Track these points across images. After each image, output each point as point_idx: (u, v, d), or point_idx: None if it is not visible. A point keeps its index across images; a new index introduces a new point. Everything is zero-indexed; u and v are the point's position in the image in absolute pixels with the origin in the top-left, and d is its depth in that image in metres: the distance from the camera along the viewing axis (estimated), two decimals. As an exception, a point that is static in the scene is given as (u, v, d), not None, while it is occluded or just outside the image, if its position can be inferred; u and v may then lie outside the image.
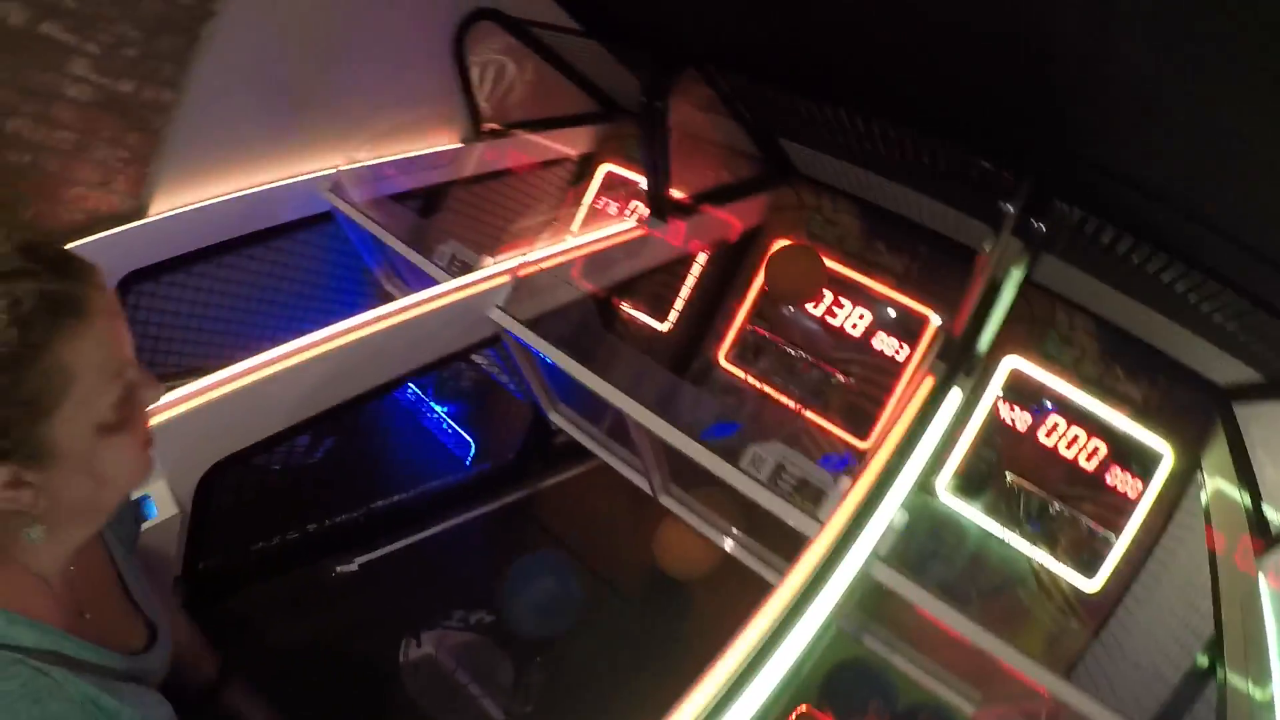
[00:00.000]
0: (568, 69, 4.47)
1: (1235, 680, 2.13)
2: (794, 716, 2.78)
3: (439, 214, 4.24)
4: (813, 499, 2.32)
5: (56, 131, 2.81)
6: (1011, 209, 2.52)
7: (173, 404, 2.12)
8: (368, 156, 3.67)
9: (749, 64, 3.28)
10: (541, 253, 3.18)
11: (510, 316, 2.91)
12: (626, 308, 4.64)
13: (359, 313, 2.61)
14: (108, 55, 2.77)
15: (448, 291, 2.83)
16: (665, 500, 3.08)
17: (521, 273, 3.01)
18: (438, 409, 3.84)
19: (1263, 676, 1.97)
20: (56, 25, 2.60)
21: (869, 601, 2.68)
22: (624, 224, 3.66)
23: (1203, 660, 2.43)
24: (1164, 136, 2.20)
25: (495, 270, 2.99)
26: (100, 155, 2.94)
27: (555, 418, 3.36)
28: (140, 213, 3.18)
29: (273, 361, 2.36)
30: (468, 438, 3.71)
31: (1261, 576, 2.35)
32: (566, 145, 4.83)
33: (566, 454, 3.79)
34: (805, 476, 2.37)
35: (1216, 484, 3.04)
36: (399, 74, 3.75)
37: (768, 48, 3.24)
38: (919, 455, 2.31)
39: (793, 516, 2.24)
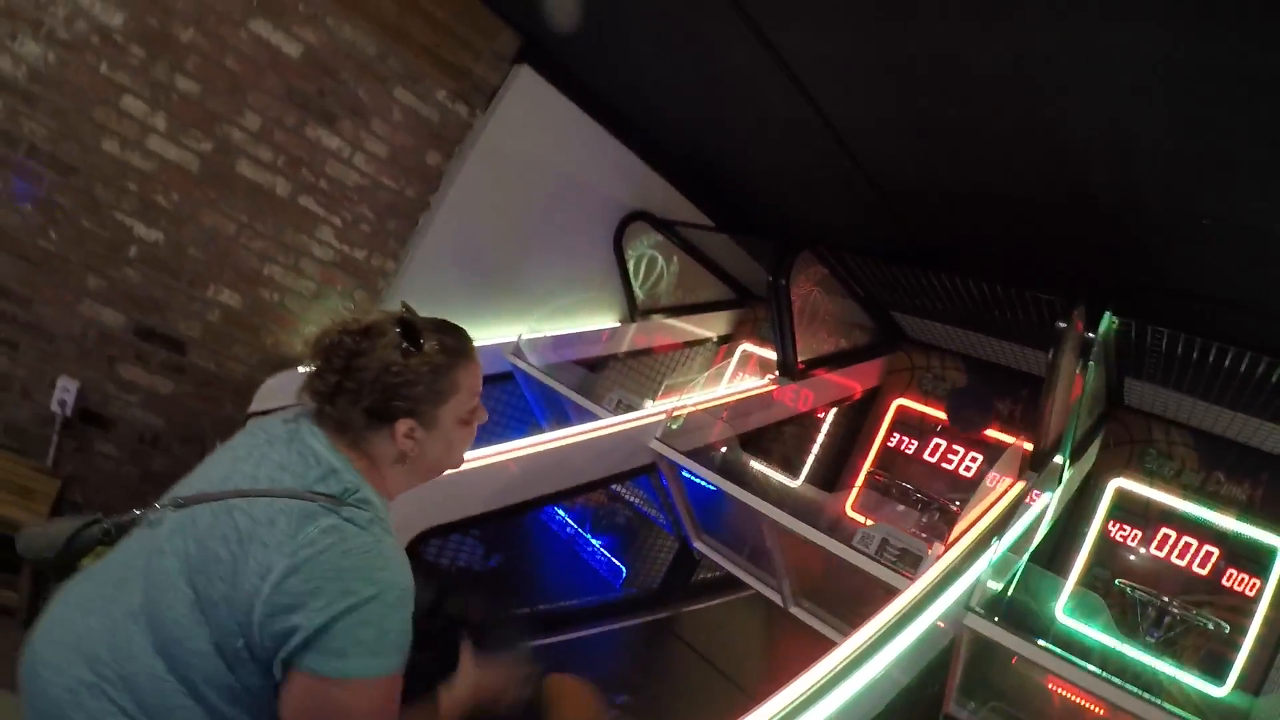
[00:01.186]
0: (708, 261, 5.50)
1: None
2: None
3: (607, 379, 5.17)
4: (913, 564, 2.87)
5: (301, 280, 3.81)
6: (1064, 326, 3.16)
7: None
8: (544, 329, 4.67)
9: (850, 242, 4.17)
10: (692, 399, 3.99)
11: (666, 445, 3.69)
12: (761, 466, 5.33)
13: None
14: (348, 228, 3.84)
15: (615, 423, 3.66)
16: (795, 610, 3.62)
17: (675, 412, 3.80)
18: (594, 541, 4.56)
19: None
20: (312, 199, 3.69)
21: (982, 682, 3.12)
22: (760, 380, 4.46)
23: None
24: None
25: (654, 409, 3.81)
26: (332, 303, 3.94)
27: (699, 545, 4.02)
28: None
29: (480, 458, 3.19)
30: (619, 565, 4.39)
31: None
32: (708, 328, 5.78)
33: (704, 589, 4.40)
34: (906, 547, 2.93)
35: None
36: (572, 262, 4.81)
37: (863, 229, 4.16)
38: (1009, 535, 2.89)
39: (892, 577, 2.81)
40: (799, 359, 4.43)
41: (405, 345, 1.42)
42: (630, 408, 4.01)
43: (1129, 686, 2.48)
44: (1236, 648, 3.61)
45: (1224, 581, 3.76)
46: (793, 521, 3.22)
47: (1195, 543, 3.86)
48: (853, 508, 4.90)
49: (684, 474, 3.76)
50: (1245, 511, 3.81)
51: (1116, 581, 3.82)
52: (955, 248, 4.00)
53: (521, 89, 3.99)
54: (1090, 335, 3.17)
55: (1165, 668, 3.40)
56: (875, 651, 2.35)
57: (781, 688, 2.04)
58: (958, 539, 2.95)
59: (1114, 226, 3.06)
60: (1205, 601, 3.75)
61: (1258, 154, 2.26)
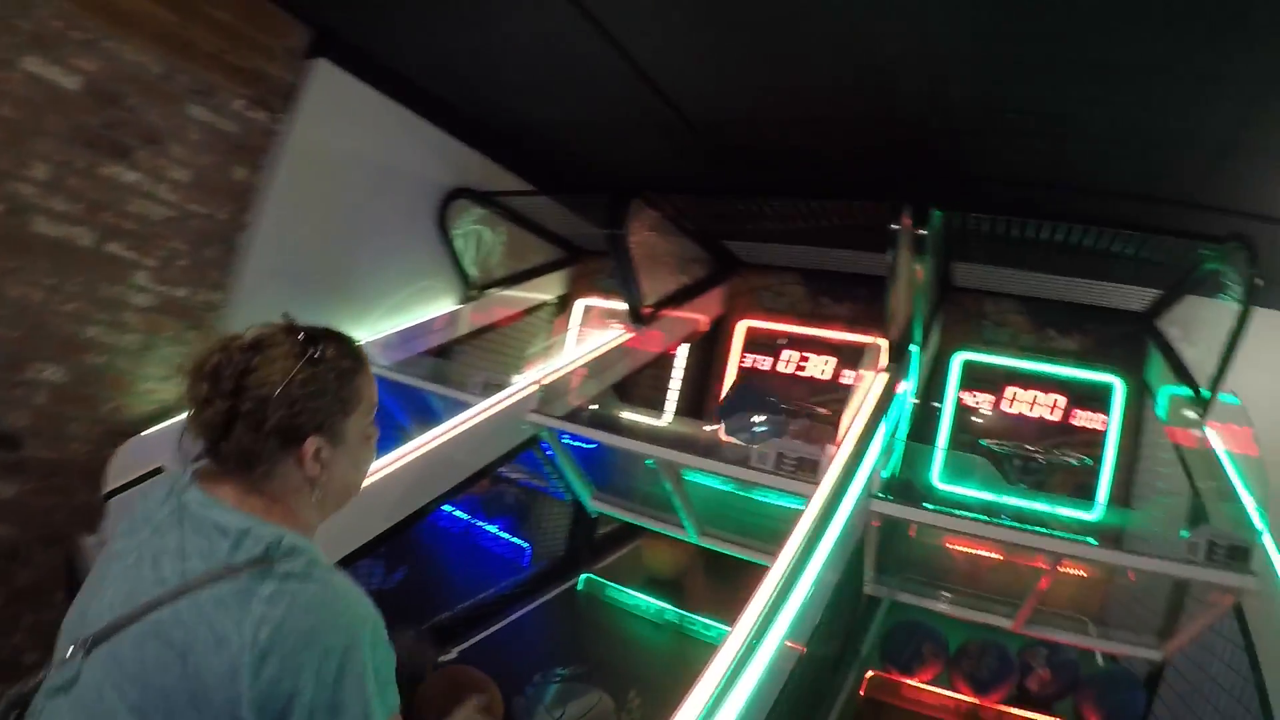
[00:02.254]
0: (533, 226, 5.62)
1: (1218, 521, 2.93)
2: (866, 683, 3.45)
3: (457, 363, 5.19)
4: (811, 470, 3.15)
5: (126, 335, 3.57)
6: (896, 227, 3.50)
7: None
8: (387, 327, 4.65)
9: (676, 184, 4.38)
10: (556, 364, 4.12)
11: (544, 415, 3.80)
12: (637, 415, 5.54)
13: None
14: (164, 266, 3.61)
15: (491, 406, 3.73)
16: (705, 540, 3.88)
17: (545, 381, 3.92)
18: (490, 528, 4.65)
19: (1236, 510, 2.86)
20: (119, 244, 3.43)
21: (891, 559, 3.50)
22: (615, 332, 4.63)
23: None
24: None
25: (524, 383, 3.91)
26: (165, 352, 3.70)
27: (596, 504, 4.20)
28: (204, 398, 4.01)
29: (367, 477, 3.18)
30: (521, 543, 4.51)
31: (1213, 436, 3.25)
32: (545, 291, 5.90)
33: (609, 541, 4.61)
34: (800, 455, 3.22)
35: (1164, 391, 3.95)
36: (402, 253, 4.78)
37: (689, 171, 4.38)
38: (885, 423, 3.23)
39: (799, 486, 3.09)
40: (646, 303, 4.64)
41: (312, 352, 1.34)
42: (500, 386, 4.08)
43: (1015, 524, 2.91)
44: (1098, 476, 4.20)
45: (1074, 422, 4.33)
46: (691, 458, 3.44)
47: (1041, 394, 4.41)
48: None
49: (567, 440, 3.91)
50: (1079, 359, 4.40)
51: (982, 441, 4.32)
52: (779, 171, 4.26)
53: (321, 85, 3.88)
54: (922, 232, 3.52)
55: (1041, 506, 3.76)
56: (808, 558, 2.61)
57: (739, 610, 2.25)
58: (844, 437, 3.28)
59: (928, 130, 3.39)
60: (1062, 443, 4.31)
61: (1048, 51, 2.66)
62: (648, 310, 4.66)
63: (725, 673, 2.05)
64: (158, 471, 3.53)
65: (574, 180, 5.12)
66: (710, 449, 3.57)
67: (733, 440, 4.93)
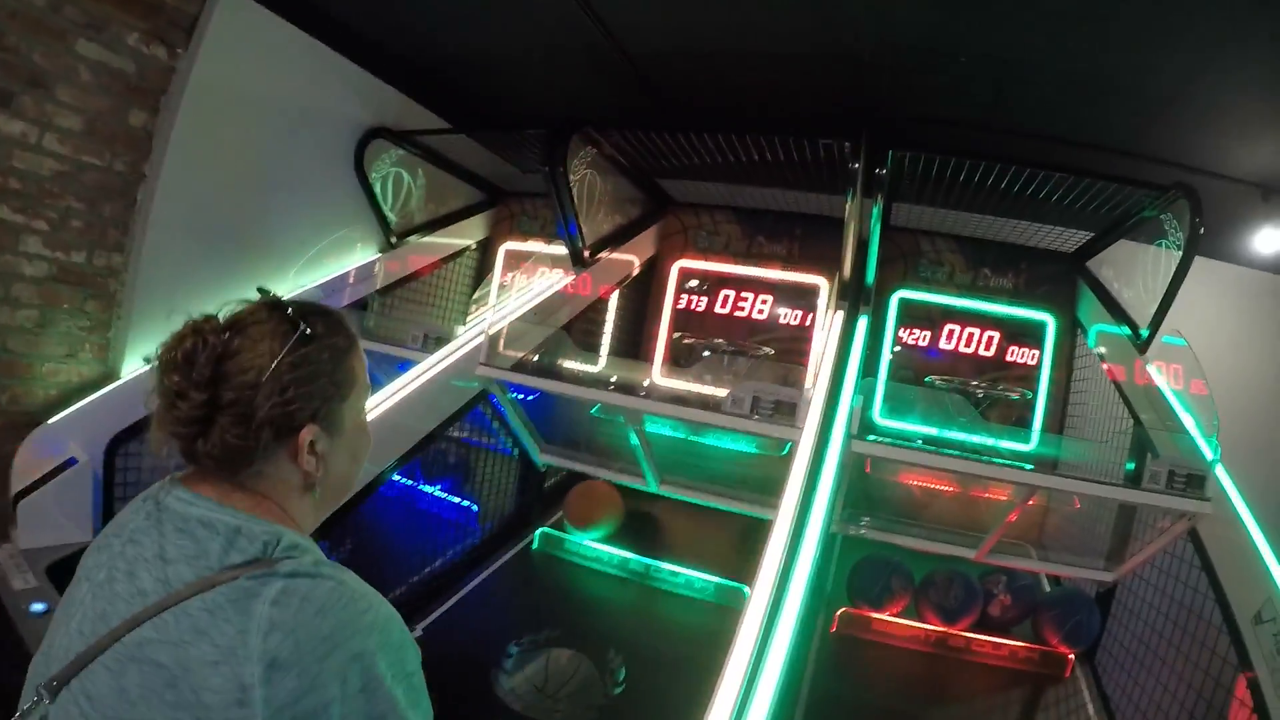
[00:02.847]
0: (454, 167, 5.27)
1: (1167, 452, 3.04)
2: (837, 620, 3.42)
3: (379, 317, 4.87)
4: (789, 413, 3.05)
5: (19, 311, 3.19)
6: (856, 166, 3.38)
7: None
8: (308, 281, 4.29)
9: (619, 120, 4.13)
10: (501, 312, 3.86)
11: (494, 367, 3.57)
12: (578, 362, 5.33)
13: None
14: (57, 229, 3.23)
15: (438, 361, 3.47)
16: (665, 489, 3.75)
17: (491, 331, 3.68)
18: (432, 490, 4.39)
19: (1187, 442, 2.96)
20: (4, 207, 3.04)
21: (858, 496, 3.45)
22: (554, 276, 4.38)
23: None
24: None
25: (470, 334, 3.65)
26: (64, 328, 3.36)
27: (546, 458, 4.00)
28: (112, 376, 3.55)
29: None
30: (469, 504, 4.28)
31: (1155, 373, 3.35)
32: (465, 236, 5.56)
33: (557, 493, 4.42)
34: (777, 398, 3.10)
35: (1097, 329, 4.05)
36: (318, 200, 4.41)
37: (627, 106, 4.12)
38: (853, 363, 3.14)
39: (779, 430, 2.98)
40: (584, 245, 4.42)
41: (301, 329, 1.12)
42: (442, 340, 3.81)
43: (998, 460, 3.05)
44: (1033, 409, 4.28)
45: (1009, 358, 4.38)
46: (666, 407, 3.30)
47: (977, 331, 4.44)
48: (662, 375, 5.10)
49: (517, 393, 3.71)
50: (1013, 297, 4.44)
51: (926, 379, 4.34)
52: (723, 108, 4.08)
53: (225, 15, 3.46)
54: (880, 172, 3.40)
55: (981, 439, 3.89)
56: (808, 511, 2.54)
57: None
58: (815, 378, 3.18)
59: (876, 69, 3.29)
60: (998, 378, 4.36)
61: None
62: (588, 253, 4.42)
63: (754, 647, 2.00)
64: (70, 464, 3.17)
65: (501, 118, 4.78)
66: (678, 396, 3.43)
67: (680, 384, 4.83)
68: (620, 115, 4.19)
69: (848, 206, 3.54)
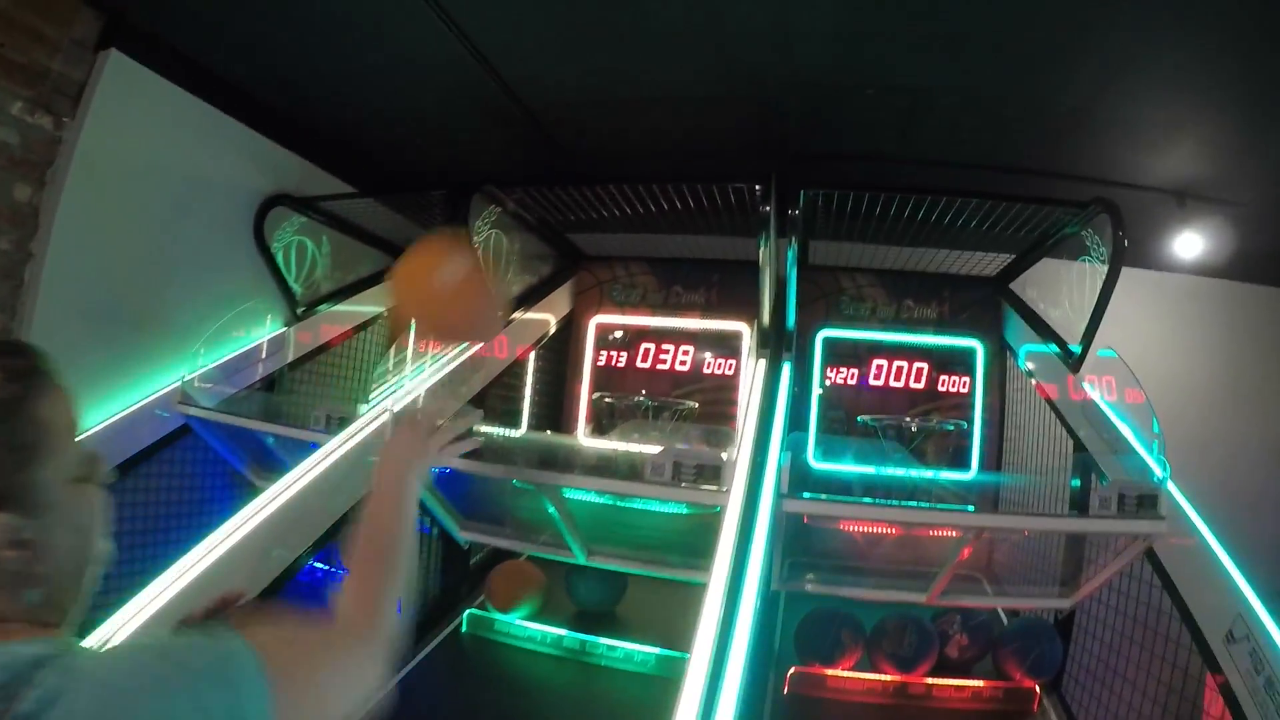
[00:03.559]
0: (362, 233, 4.97)
1: (1113, 471, 2.94)
2: (789, 680, 3.20)
3: (289, 394, 4.52)
4: (714, 477, 2.80)
5: None
6: (768, 209, 3.21)
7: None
8: (208, 361, 3.92)
9: (523, 177, 3.93)
10: (408, 386, 3.56)
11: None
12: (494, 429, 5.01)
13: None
14: None
15: (341, 444, 3.16)
16: (594, 560, 3.44)
17: (395, 408, 3.37)
18: (351, 576, 4.01)
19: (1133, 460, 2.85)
20: None
21: (798, 548, 3.22)
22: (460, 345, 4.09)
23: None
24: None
25: (373, 413, 3.34)
26: None
27: (467, 535, 3.66)
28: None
29: (211, 549, 2.59)
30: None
31: (1091, 389, 3.26)
32: (377, 303, 5.25)
33: (482, 570, 4.10)
34: (699, 462, 2.85)
35: (1026, 349, 3.99)
36: (218, 273, 4.07)
37: (531, 161, 3.92)
38: (779, 415, 2.93)
39: (705, 496, 2.73)
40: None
41: None
42: (345, 420, 3.48)
43: (905, 504, 2.89)
44: (970, 438, 4.14)
45: (941, 388, 4.25)
46: (582, 479, 3.02)
47: (906, 364, 4.31)
48: (586, 435, 4.84)
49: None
50: (939, 326, 4.35)
51: (859, 418, 4.16)
52: (627, 157, 3.95)
53: (114, 81, 3.19)
54: (794, 213, 3.24)
55: (920, 473, 3.69)
56: (742, 576, 2.31)
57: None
58: (740, 435, 2.95)
59: (788, 108, 3.22)
60: (931, 409, 4.21)
61: (906, 25, 2.60)
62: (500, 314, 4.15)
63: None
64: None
65: (404, 179, 4.56)
66: (601, 466, 3.17)
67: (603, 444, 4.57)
68: (525, 169, 4.02)
69: (762, 251, 3.36)
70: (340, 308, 4.94)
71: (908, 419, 4.16)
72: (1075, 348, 3.33)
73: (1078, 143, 3.17)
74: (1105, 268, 3.07)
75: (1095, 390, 3.26)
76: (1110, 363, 3.19)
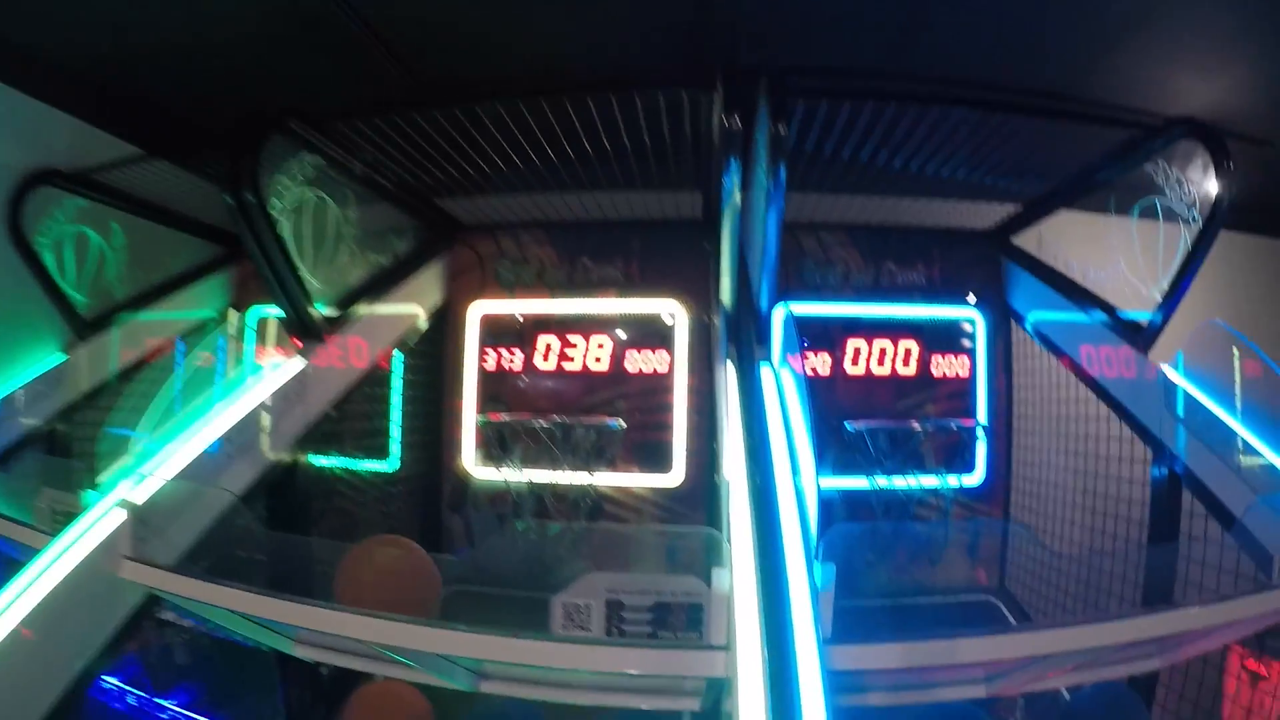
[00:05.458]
0: (168, 215, 3.55)
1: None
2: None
3: (49, 454, 3.11)
4: (692, 624, 1.57)
5: None
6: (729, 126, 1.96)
7: None
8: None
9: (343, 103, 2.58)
10: (159, 456, 2.20)
11: (147, 565, 1.92)
12: (338, 466, 3.61)
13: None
14: None
15: (54, 555, 1.83)
16: (489, 687, 2.16)
17: (137, 498, 2.02)
18: (170, 705, 2.72)
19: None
20: None
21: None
22: (270, 364, 2.73)
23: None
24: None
25: (98, 512, 1.98)
26: None
27: (304, 651, 2.34)
28: None
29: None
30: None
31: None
32: (200, 305, 3.81)
33: (342, 684, 2.78)
34: (660, 599, 1.61)
35: (1040, 318, 3.08)
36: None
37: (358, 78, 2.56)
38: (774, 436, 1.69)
39: (680, 662, 1.48)
40: (322, 306, 2.81)
41: None
42: (69, 514, 2.11)
43: None
44: (974, 435, 3.16)
45: (934, 371, 3.23)
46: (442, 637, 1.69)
47: (890, 344, 3.31)
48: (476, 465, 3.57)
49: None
50: (929, 293, 3.37)
51: (846, 425, 3.03)
52: (513, 78, 2.54)
53: None
54: (782, 126, 1.93)
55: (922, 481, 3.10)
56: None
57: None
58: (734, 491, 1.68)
59: None
60: (925, 401, 3.12)
61: None
62: (328, 315, 2.82)
63: None
64: None
65: (196, 134, 3.06)
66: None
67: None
68: (352, 94, 2.64)
69: (733, 196, 2.06)
70: (149, 317, 3.53)
71: (913, 423, 3.02)
72: (1143, 317, 2.43)
73: (1116, 63, 2.18)
74: (1189, 214, 2.31)
75: (1192, 374, 2.38)
76: (1224, 338, 2.17)
